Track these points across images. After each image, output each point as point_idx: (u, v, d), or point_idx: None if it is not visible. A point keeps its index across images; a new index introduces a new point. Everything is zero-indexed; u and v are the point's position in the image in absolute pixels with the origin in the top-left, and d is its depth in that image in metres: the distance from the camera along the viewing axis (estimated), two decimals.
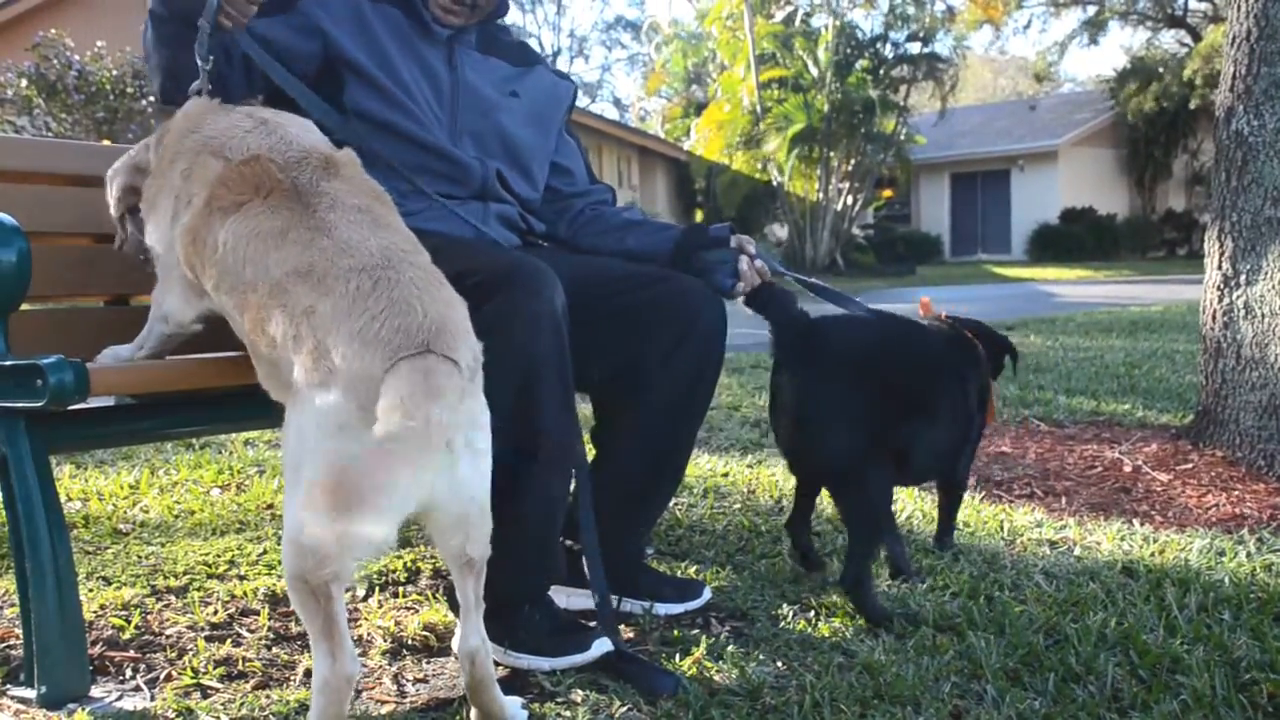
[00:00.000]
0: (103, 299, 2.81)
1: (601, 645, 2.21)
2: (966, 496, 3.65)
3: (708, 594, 2.61)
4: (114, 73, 16.09)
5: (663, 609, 2.54)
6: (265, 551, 2.93)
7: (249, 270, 1.85)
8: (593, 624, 2.32)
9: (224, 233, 1.90)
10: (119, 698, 2.04)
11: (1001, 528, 3.24)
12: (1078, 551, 2.99)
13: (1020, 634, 2.32)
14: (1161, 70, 30.24)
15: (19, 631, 2.14)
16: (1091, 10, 31.42)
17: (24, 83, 16.13)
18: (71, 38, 16.73)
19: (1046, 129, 32.78)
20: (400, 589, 2.69)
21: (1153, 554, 2.94)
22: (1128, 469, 4.05)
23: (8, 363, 2.01)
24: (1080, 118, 32.98)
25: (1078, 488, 3.84)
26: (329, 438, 1.66)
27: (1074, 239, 30.13)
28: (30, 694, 1.99)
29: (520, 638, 2.21)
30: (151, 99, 17.04)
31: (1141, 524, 3.29)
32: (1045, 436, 4.73)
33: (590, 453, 2.55)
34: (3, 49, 18.26)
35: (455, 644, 1.92)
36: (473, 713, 1.92)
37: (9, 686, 2.05)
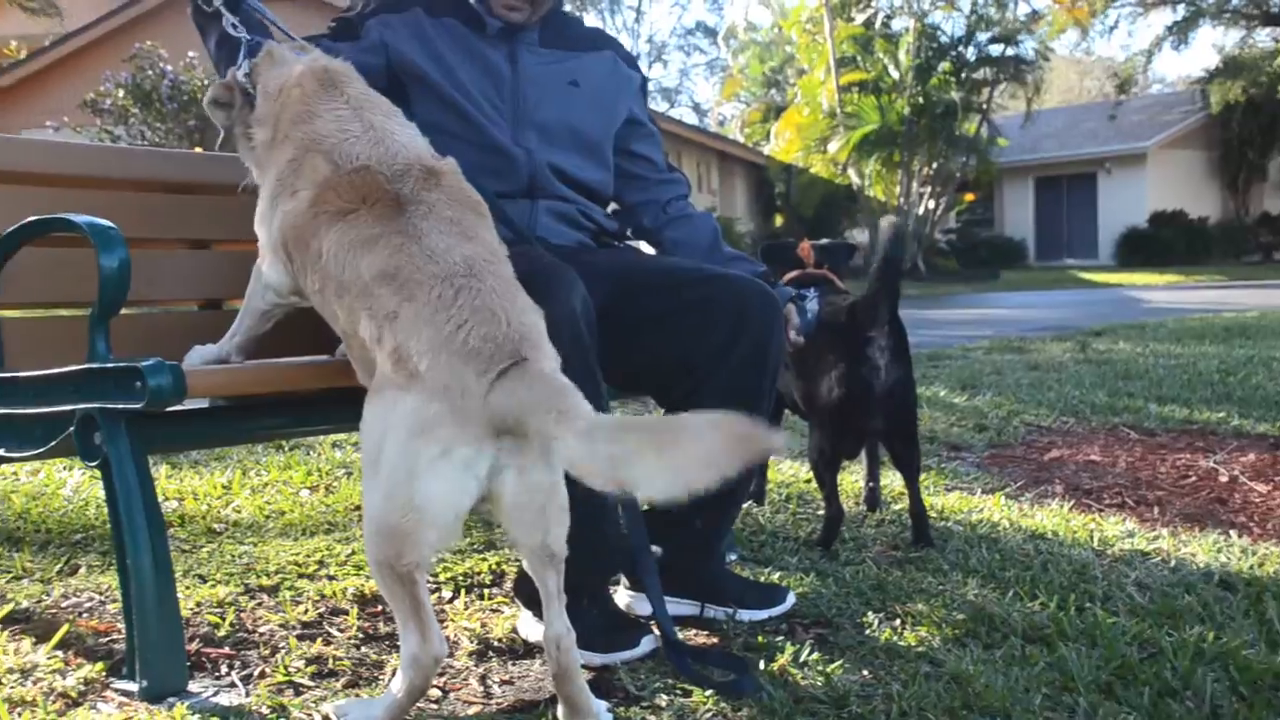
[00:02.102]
0: (196, 303, 2.88)
1: (650, 642, 2.28)
2: (1055, 504, 3.59)
3: (792, 600, 2.59)
4: (205, 82, 16.43)
5: (746, 615, 2.53)
6: (353, 552, 2.97)
7: (347, 274, 1.93)
8: (645, 620, 2.40)
9: (328, 240, 1.97)
10: (215, 693, 2.08)
11: (1091, 537, 3.18)
12: (1172, 563, 2.93)
13: (1113, 646, 2.27)
14: (1256, 69, 29.39)
15: (121, 627, 2.20)
16: (1182, 10, 30.69)
17: (121, 93, 16.59)
18: (165, 48, 17.16)
19: (1134, 131, 32.09)
20: (486, 591, 2.72)
21: (1251, 566, 2.86)
22: (1223, 479, 3.95)
23: (109, 365, 2.07)
24: (1169, 119, 32.25)
25: (1170, 498, 3.76)
26: (408, 440, 1.73)
27: (1163, 243, 29.45)
28: (132, 687, 2.04)
29: (578, 634, 2.23)
30: None
31: (1239, 535, 3.21)
32: (1136, 445, 4.63)
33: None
34: (102, 61, 18.79)
35: (541, 634, 1.97)
36: (560, 709, 1.93)
37: (113, 680, 2.10)
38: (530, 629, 2.34)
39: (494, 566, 2.88)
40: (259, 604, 2.58)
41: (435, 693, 2.10)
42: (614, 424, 1.70)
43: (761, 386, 2.54)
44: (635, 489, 1.65)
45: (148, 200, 2.77)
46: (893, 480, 3.64)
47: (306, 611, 2.51)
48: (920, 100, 23.77)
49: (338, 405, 2.48)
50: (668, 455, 1.60)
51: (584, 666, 2.15)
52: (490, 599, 2.66)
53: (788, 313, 2.73)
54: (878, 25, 24.88)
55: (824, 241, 3.53)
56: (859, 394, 2.98)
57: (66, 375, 2.13)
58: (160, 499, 3.05)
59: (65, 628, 2.33)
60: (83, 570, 2.85)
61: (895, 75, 24.13)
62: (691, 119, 44.76)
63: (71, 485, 3.70)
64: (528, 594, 2.30)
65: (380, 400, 1.80)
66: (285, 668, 2.19)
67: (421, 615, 1.83)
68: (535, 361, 1.75)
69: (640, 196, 2.86)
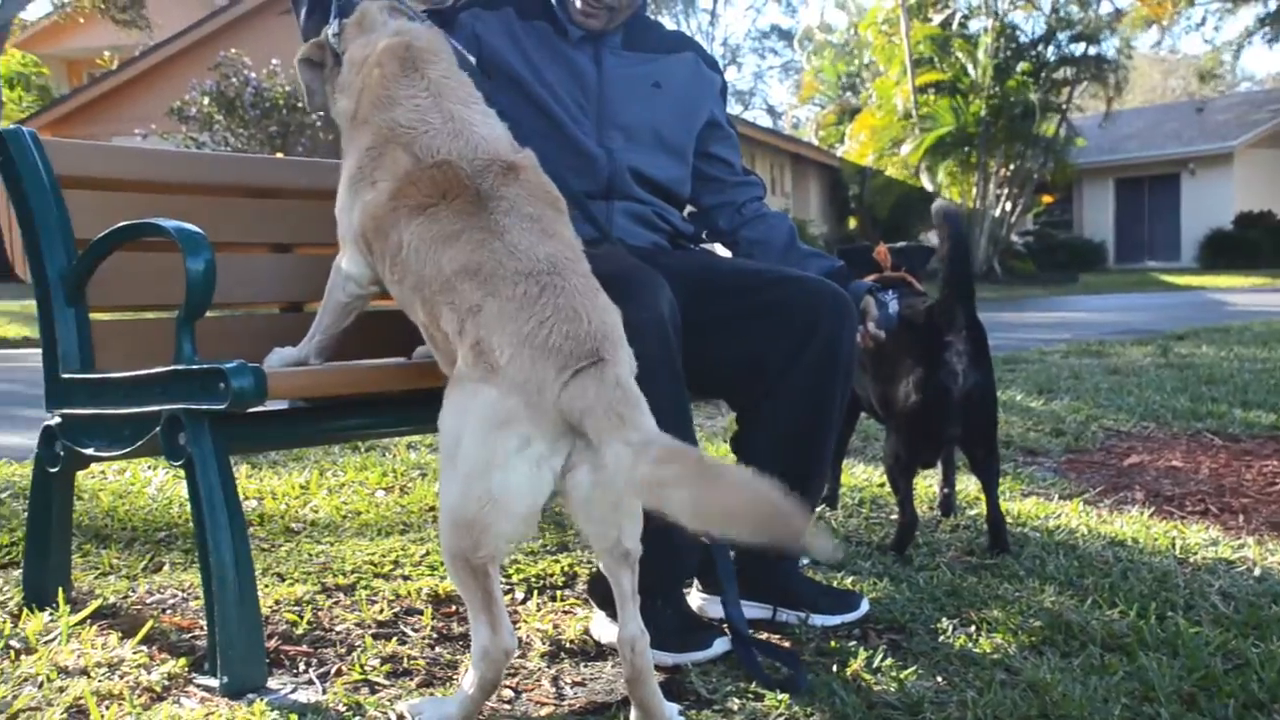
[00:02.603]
0: (278, 306, 2.94)
1: (722, 644, 2.28)
2: (1135, 511, 3.53)
3: (865, 606, 2.58)
4: (287, 89, 16.77)
5: (819, 620, 2.52)
6: (428, 553, 3.01)
7: (428, 268, 1.96)
8: (718, 623, 2.40)
9: (408, 234, 2.00)
10: (293, 690, 2.12)
11: (1173, 545, 3.11)
12: (1258, 572, 2.86)
13: (1196, 656, 2.22)
14: None
15: (203, 623, 2.24)
16: (1274, 4, 29.89)
17: (206, 100, 16.97)
18: (249, 56, 17.52)
19: (1220, 131, 31.38)
20: (558, 593, 2.73)
21: None
22: None
23: (195, 367, 2.11)
24: (1258, 118, 31.48)
25: (1256, 505, 3.67)
26: (487, 432, 1.75)
27: (1250, 245, 28.74)
28: (214, 683, 2.08)
29: (649, 633, 2.23)
30: (320, 114, 17.72)
31: None
32: (1220, 451, 4.53)
33: (731, 460, 2.57)
34: (189, 69, 19.24)
35: (613, 635, 1.98)
36: (632, 712, 1.94)
37: (195, 675, 2.15)
38: (603, 630, 2.35)
39: (566, 568, 2.89)
40: (335, 603, 2.63)
41: (507, 693, 2.12)
42: (664, 447, 1.68)
43: (833, 390, 2.52)
44: (664, 513, 1.65)
45: (231, 205, 2.83)
46: (967, 485, 3.59)
47: (382, 611, 2.55)
48: (997, 101, 23.44)
49: (413, 407, 2.52)
50: (701, 496, 1.61)
51: (656, 666, 2.16)
52: (563, 600, 2.68)
53: (866, 306, 2.72)
54: (955, 26, 24.59)
55: (901, 245, 3.50)
56: (937, 400, 2.95)
57: (154, 376, 2.18)
58: (241, 498, 3.12)
59: (150, 623, 2.38)
60: (166, 567, 2.92)
61: (973, 76, 23.82)
62: (766, 122, 44.64)
63: (155, 484, 3.78)
64: (602, 595, 2.32)
65: (460, 392, 1.83)
66: (361, 666, 2.22)
67: (493, 609, 1.85)
68: (612, 364, 1.76)
69: (717, 199, 2.87)
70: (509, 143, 2.15)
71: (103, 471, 3.93)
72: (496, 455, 1.74)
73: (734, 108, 44.90)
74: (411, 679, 2.18)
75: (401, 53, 2.22)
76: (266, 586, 2.69)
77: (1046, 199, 29.35)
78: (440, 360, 2.04)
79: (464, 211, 1.97)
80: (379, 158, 2.12)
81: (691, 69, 2.81)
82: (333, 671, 2.21)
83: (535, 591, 2.73)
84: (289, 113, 17.18)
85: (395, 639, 2.38)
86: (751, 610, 2.50)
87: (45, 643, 2.29)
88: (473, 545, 1.78)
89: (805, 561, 2.94)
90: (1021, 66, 24.16)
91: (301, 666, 2.24)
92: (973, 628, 2.47)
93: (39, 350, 2.45)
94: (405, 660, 2.27)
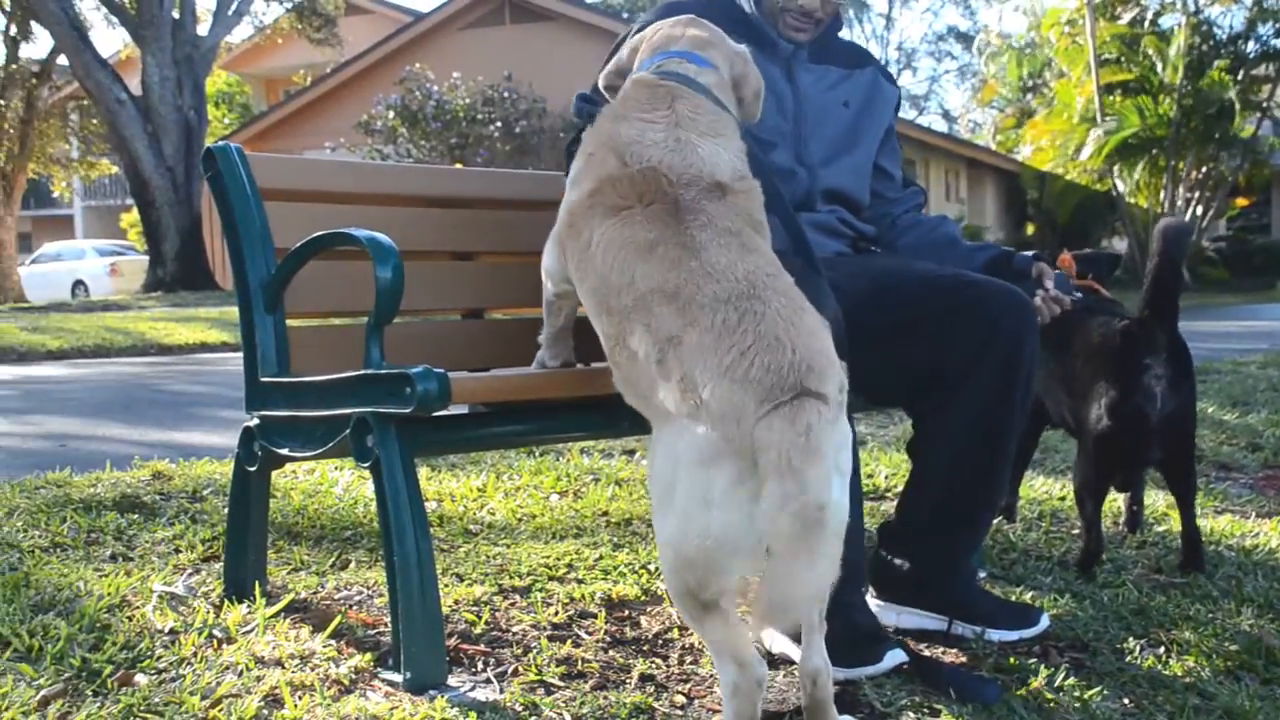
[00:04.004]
0: (459, 313, 3.02)
1: (895, 657, 2.22)
2: None
3: (1045, 622, 2.50)
4: (466, 101, 17.26)
5: (996, 635, 2.46)
6: (601, 557, 3.05)
7: (615, 275, 1.93)
8: (892, 632, 2.35)
9: (598, 233, 1.99)
10: (472, 688, 2.17)
11: None
12: None
13: None
14: None
15: (387, 620, 2.33)
16: None
17: (391, 114, 17.62)
18: (432, 70, 18.11)
19: None
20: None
21: None
22: None
23: (383, 371, 2.20)
24: None
25: None
26: (699, 470, 1.70)
27: None
28: (397, 678, 2.16)
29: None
30: (498, 125, 18.18)
31: None
32: None
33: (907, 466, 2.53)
34: (375, 84, 20.02)
35: (784, 644, 1.96)
36: None
37: (380, 670, 2.23)
38: (774, 639, 2.34)
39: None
40: (512, 604, 2.69)
41: (680, 699, 2.14)
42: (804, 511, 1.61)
43: (1014, 395, 2.46)
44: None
45: (415, 215, 2.92)
46: (1156, 499, 3.45)
47: (557, 613, 2.60)
48: (1190, 100, 22.41)
49: (588, 412, 2.56)
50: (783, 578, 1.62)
51: None
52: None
53: (1040, 270, 2.66)
54: (1146, 24, 23.59)
55: (1086, 251, 3.38)
56: (1132, 426, 2.83)
57: (346, 380, 2.27)
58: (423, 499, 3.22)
59: (338, 618, 2.49)
60: (352, 565, 3.03)
61: (1161, 74, 22.82)
62: (941, 126, 43.77)
63: (342, 485, 3.94)
64: None
65: (670, 430, 1.78)
66: (537, 667, 2.26)
67: (736, 642, 1.78)
68: (811, 405, 1.66)
69: (876, 210, 2.85)
70: (732, 169, 2.08)
71: (294, 471, 4.11)
72: (712, 492, 1.68)
73: (909, 112, 44.26)
74: (586, 681, 2.22)
75: (653, 82, 2.19)
76: (446, 586, 2.77)
77: (1240, 202, 27.93)
78: (616, 375, 1.99)
79: (659, 219, 1.93)
80: (589, 163, 2.12)
81: (873, 84, 2.82)
82: (510, 671, 2.26)
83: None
84: (469, 124, 17.69)
85: (570, 641, 2.42)
86: (926, 621, 2.47)
87: (244, 633, 2.41)
88: (698, 584, 1.73)
89: (982, 574, 2.88)
90: (1218, 63, 23.01)
91: (480, 665, 2.30)
92: (1162, 649, 2.37)
93: (238, 354, 2.58)
94: (580, 663, 2.30)
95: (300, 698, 2.07)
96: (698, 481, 1.70)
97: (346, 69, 22.45)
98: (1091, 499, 2.96)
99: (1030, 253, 2.78)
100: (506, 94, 18.44)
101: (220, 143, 2.60)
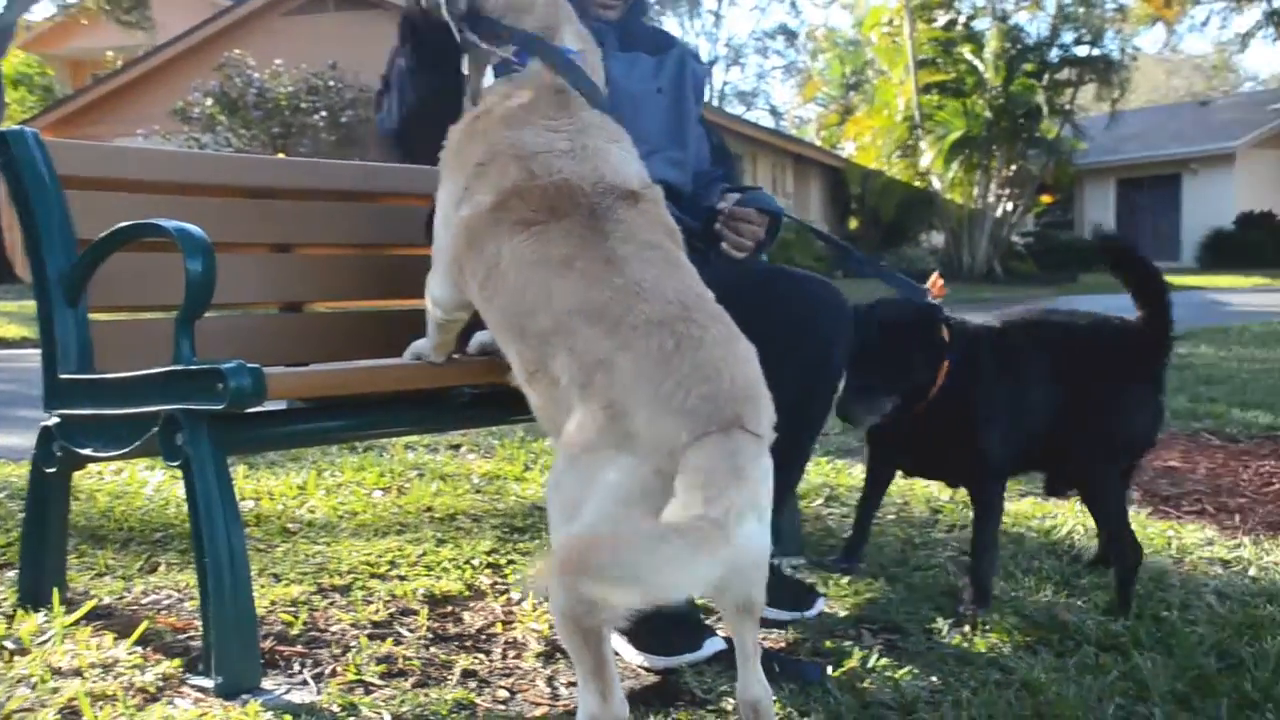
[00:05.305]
0: (276, 306, 2.94)
1: (714, 644, 2.24)
2: (1132, 511, 3.52)
3: (820, 605, 2.56)
4: (289, 89, 16.78)
5: (771, 614, 2.44)
6: (424, 553, 3.01)
7: (530, 294, 1.83)
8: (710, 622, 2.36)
9: (508, 249, 1.88)
10: (288, 690, 2.12)
11: (1169, 545, 3.12)
12: (1253, 572, 2.86)
13: (1190, 656, 2.23)
14: None
15: (198, 624, 2.25)
16: (1277, 1, 29.76)
17: (209, 101, 16.99)
18: (253, 57, 17.52)
19: (1223, 130, 31.31)
20: None
21: None
22: None
23: (193, 367, 2.12)
24: (1260, 118, 31.41)
25: (1253, 505, 3.67)
26: (621, 502, 1.63)
27: (1252, 246, 28.66)
28: (208, 684, 2.08)
29: (640, 634, 2.23)
30: (323, 114, 17.73)
31: None
32: (1217, 451, 4.53)
33: None
34: (192, 70, 19.26)
35: (736, 693, 1.86)
36: None
37: (189, 675, 2.15)
38: (623, 649, 2.28)
39: None
40: (331, 603, 2.63)
41: (503, 693, 2.13)
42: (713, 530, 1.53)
43: (823, 393, 2.51)
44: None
45: (231, 205, 2.83)
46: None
47: (377, 611, 2.55)
48: (1001, 102, 23.43)
49: (410, 407, 2.52)
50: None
51: (645, 669, 2.17)
52: None
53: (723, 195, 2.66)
54: (959, 27, 24.54)
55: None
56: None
57: (152, 377, 2.18)
58: (237, 499, 3.13)
59: (145, 624, 2.38)
60: (162, 568, 2.92)
61: (978, 76, 23.77)
62: (768, 122, 44.60)
63: (153, 485, 3.79)
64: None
65: (589, 459, 1.68)
66: (356, 667, 2.22)
67: (605, 674, 1.70)
68: (744, 442, 1.62)
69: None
70: (640, 177, 2.03)
71: (100, 472, 3.94)
72: (630, 526, 1.59)
73: (736, 108, 44.96)
74: (406, 679, 2.18)
75: (559, 87, 2.10)
76: (262, 587, 2.69)
77: (1046, 199, 29.31)
78: (533, 400, 1.90)
79: (576, 234, 1.85)
80: (485, 173, 1.99)
81: (681, 65, 2.78)
82: (327, 672, 2.21)
83: (531, 593, 2.73)
84: (291, 113, 17.21)
85: (391, 639, 2.39)
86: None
87: (40, 644, 2.29)
88: (588, 610, 1.63)
89: (800, 561, 2.95)
90: (1026, 67, 24.12)
91: (296, 667, 2.24)
92: (968, 627, 2.47)
93: (38, 350, 2.46)
94: (400, 660, 2.27)
95: (101, 709, 1.98)
96: (616, 516, 1.61)
97: (161, 53, 21.51)
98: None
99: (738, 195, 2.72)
100: (332, 83, 18.00)
101: (14, 127, 2.46)
